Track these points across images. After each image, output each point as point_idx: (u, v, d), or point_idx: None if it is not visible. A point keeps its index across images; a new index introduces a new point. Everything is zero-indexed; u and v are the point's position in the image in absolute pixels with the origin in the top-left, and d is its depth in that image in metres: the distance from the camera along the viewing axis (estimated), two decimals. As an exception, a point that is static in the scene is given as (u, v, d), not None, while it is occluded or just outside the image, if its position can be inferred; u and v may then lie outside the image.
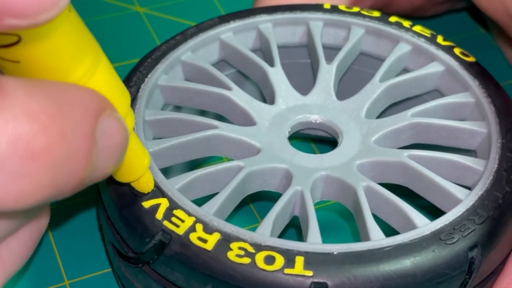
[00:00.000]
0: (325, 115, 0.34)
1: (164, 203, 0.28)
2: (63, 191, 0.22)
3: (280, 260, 0.26)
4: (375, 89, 0.34)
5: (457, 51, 0.35)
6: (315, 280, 0.26)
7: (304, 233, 0.29)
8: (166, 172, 0.33)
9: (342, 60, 0.35)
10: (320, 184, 0.31)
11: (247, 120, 0.33)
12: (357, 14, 0.37)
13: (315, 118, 0.34)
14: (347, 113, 0.34)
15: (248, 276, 0.26)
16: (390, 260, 0.26)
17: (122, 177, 0.27)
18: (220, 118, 0.34)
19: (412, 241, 0.27)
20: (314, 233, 0.28)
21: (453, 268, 0.27)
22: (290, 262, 0.26)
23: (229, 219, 0.30)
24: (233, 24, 0.36)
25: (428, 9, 0.45)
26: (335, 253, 0.27)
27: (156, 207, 0.28)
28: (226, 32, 0.36)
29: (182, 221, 0.28)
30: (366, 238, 0.28)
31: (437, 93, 0.36)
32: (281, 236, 0.30)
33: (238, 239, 0.27)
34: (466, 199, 0.29)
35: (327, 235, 0.30)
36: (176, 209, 0.28)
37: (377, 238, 0.28)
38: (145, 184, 0.28)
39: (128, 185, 0.28)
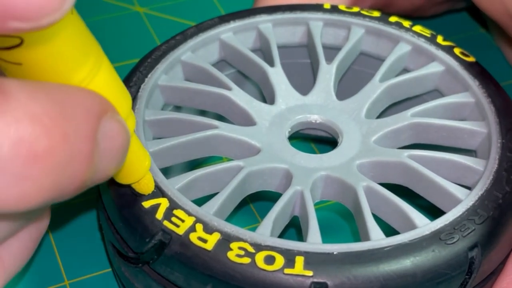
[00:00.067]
0: (325, 115, 0.34)
1: (164, 203, 0.28)
2: (65, 193, 0.22)
3: (280, 260, 0.26)
4: (375, 89, 0.34)
5: (457, 51, 0.35)
6: (315, 280, 0.26)
7: (304, 233, 0.29)
8: (166, 172, 0.33)
9: (342, 60, 0.35)
10: (320, 184, 0.31)
11: (247, 120, 0.33)
12: (357, 14, 0.37)
13: (315, 118, 0.34)
14: (347, 113, 0.34)
15: (248, 276, 0.26)
16: (390, 260, 0.26)
17: (123, 179, 0.27)
18: (220, 118, 0.34)
19: (412, 241, 0.27)
20: (314, 233, 0.28)
21: (453, 268, 0.27)
22: (290, 262, 0.26)
23: (229, 219, 0.30)
24: (233, 24, 0.36)
25: (428, 9, 0.45)
26: (335, 253, 0.27)
27: (156, 207, 0.28)
28: (226, 32, 0.36)
29: (182, 221, 0.28)
30: (366, 238, 0.28)
31: (437, 93, 0.36)
32: (281, 236, 0.30)
33: (238, 239, 0.27)
34: (466, 199, 0.29)
35: (327, 235, 0.30)
36: (176, 209, 0.28)
37: (377, 238, 0.28)
38: (145, 186, 0.28)
39: (128, 185, 0.28)
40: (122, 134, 0.23)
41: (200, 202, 0.29)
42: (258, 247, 0.27)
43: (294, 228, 0.35)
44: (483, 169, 0.31)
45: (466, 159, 0.31)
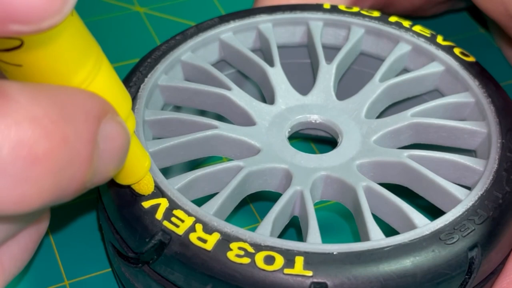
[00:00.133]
0: (325, 115, 0.34)
1: (164, 203, 0.28)
2: (65, 195, 0.22)
3: (280, 260, 0.26)
4: (375, 89, 0.34)
5: (457, 51, 0.35)
6: (315, 280, 0.26)
7: (304, 233, 0.29)
8: (166, 172, 0.33)
9: (342, 60, 0.35)
10: (320, 184, 0.31)
11: (247, 120, 0.33)
12: (357, 14, 0.37)
13: (315, 118, 0.34)
14: (347, 113, 0.34)
15: (248, 276, 0.26)
16: (390, 260, 0.26)
17: (123, 180, 0.27)
18: (220, 118, 0.34)
19: (412, 241, 0.27)
20: (314, 233, 0.28)
21: (453, 268, 0.27)
22: (290, 262, 0.26)
23: (229, 219, 0.30)
24: (233, 24, 0.36)
25: (428, 9, 0.45)
26: (335, 253, 0.27)
27: (156, 207, 0.28)
28: (226, 32, 0.36)
29: (182, 221, 0.28)
30: (366, 238, 0.28)
31: (437, 93, 0.36)
32: (281, 236, 0.30)
33: (238, 239, 0.27)
34: (466, 199, 0.29)
35: (327, 235, 0.30)
36: (176, 209, 0.28)
37: (377, 238, 0.28)
38: (145, 187, 0.28)
39: (128, 186, 0.28)
40: (122, 136, 0.23)
41: (200, 202, 0.29)
42: (258, 247, 0.27)
43: (294, 228, 0.35)
44: (483, 169, 0.31)
45: (466, 159, 0.31)
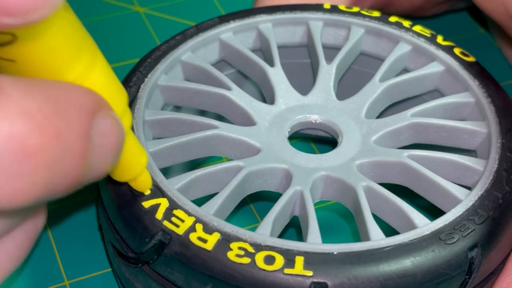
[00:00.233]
0: (325, 115, 0.34)
1: (164, 203, 0.28)
2: (58, 190, 0.22)
3: (280, 260, 0.26)
4: (375, 89, 0.34)
5: (457, 51, 0.35)
6: (315, 280, 0.26)
7: (304, 233, 0.29)
8: (166, 172, 0.33)
9: (342, 60, 0.35)
10: (320, 184, 0.31)
11: (247, 120, 0.33)
12: (357, 14, 0.37)
13: (315, 118, 0.34)
14: (347, 113, 0.34)
15: (248, 276, 0.26)
16: (390, 260, 0.26)
17: (119, 176, 0.27)
18: (220, 118, 0.34)
19: (412, 241, 0.27)
20: (314, 233, 0.28)
21: (453, 268, 0.27)
22: (290, 262, 0.26)
23: (229, 219, 0.30)
24: (233, 24, 0.36)
25: (428, 9, 0.45)
26: (335, 253, 0.27)
27: (156, 207, 0.28)
28: (226, 32, 0.36)
29: (182, 221, 0.28)
30: (366, 238, 0.28)
31: (437, 93, 0.36)
32: (281, 236, 0.30)
33: (238, 239, 0.27)
34: (466, 199, 0.29)
35: (327, 235, 0.30)
36: (176, 209, 0.28)
37: (377, 238, 0.28)
38: (142, 183, 0.28)
39: (127, 184, 0.28)
40: (116, 131, 0.23)
41: (200, 202, 0.29)
42: (258, 247, 0.27)
43: (294, 228, 0.35)
44: (483, 169, 0.31)
45: (466, 159, 0.31)
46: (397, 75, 0.36)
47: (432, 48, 0.35)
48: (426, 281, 0.26)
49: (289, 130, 0.33)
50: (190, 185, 0.30)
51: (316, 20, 0.37)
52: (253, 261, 0.26)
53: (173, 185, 0.29)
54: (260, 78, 0.35)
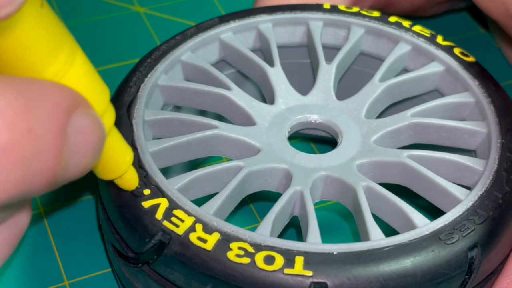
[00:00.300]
0: (325, 115, 0.34)
1: (163, 203, 0.28)
2: (34, 188, 0.21)
3: (279, 260, 0.26)
4: (375, 89, 0.34)
5: (457, 51, 0.35)
6: (315, 280, 0.26)
7: (304, 233, 0.29)
8: (166, 172, 0.33)
9: (342, 60, 0.35)
10: (320, 184, 0.31)
11: (247, 120, 0.33)
12: (357, 14, 0.37)
13: (315, 118, 0.34)
14: (347, 113, 0.34)
15: (248, 276, 0.26)
16: (390, 260, 0.26)
17: (103, 174, 0.27)
18: (220, 118, 0.34)
19: (412, 241, 0.27)
20: (314, 233, 0.28)
21: (453, 268, 0.27)
22: (289, 262, 0.26)
23: (229, 219, 0.30)
24: (233, 24, 0.36)
25: (428, 9, 0.45)
26: (335, 253, 0.27)
27: (155, 207, 0.28)
28: (226, 32, 0.36)
29: (182, 221, 0.28)
30: (366, 238, 0.28)
31: (437, 93, 0.36)
32: (281, 236, 0.30)
33: (238, 239, 0.27)
34: (466, 199, 0.29)
35: (327, 235, 0.30)
36: (175, 209, 0.28)
37: (377, 238, 0.28)
38: (128, 182, 0.28)
39: (111, 181, 0.28)
40: (95, 129, 0.23)
41: (200, 202, 0.29)
42: (258, 247, 0.27)
43: (294, 228, 0.35)
44: (483, 169, 0.31)
45: (466, 159, 0.31)
46: (397, 75, 0.36)
47: (432, 48, 0.35)
48: (426, 281, 0.26)
49: (289, 130, 0.33)
50: (190, 185, 0.30)
51: (316, 20, 0.37)
52: (253, 261, 0.26)
53: (173, 185, 0.29)
54: (260, 78, 0.35)
